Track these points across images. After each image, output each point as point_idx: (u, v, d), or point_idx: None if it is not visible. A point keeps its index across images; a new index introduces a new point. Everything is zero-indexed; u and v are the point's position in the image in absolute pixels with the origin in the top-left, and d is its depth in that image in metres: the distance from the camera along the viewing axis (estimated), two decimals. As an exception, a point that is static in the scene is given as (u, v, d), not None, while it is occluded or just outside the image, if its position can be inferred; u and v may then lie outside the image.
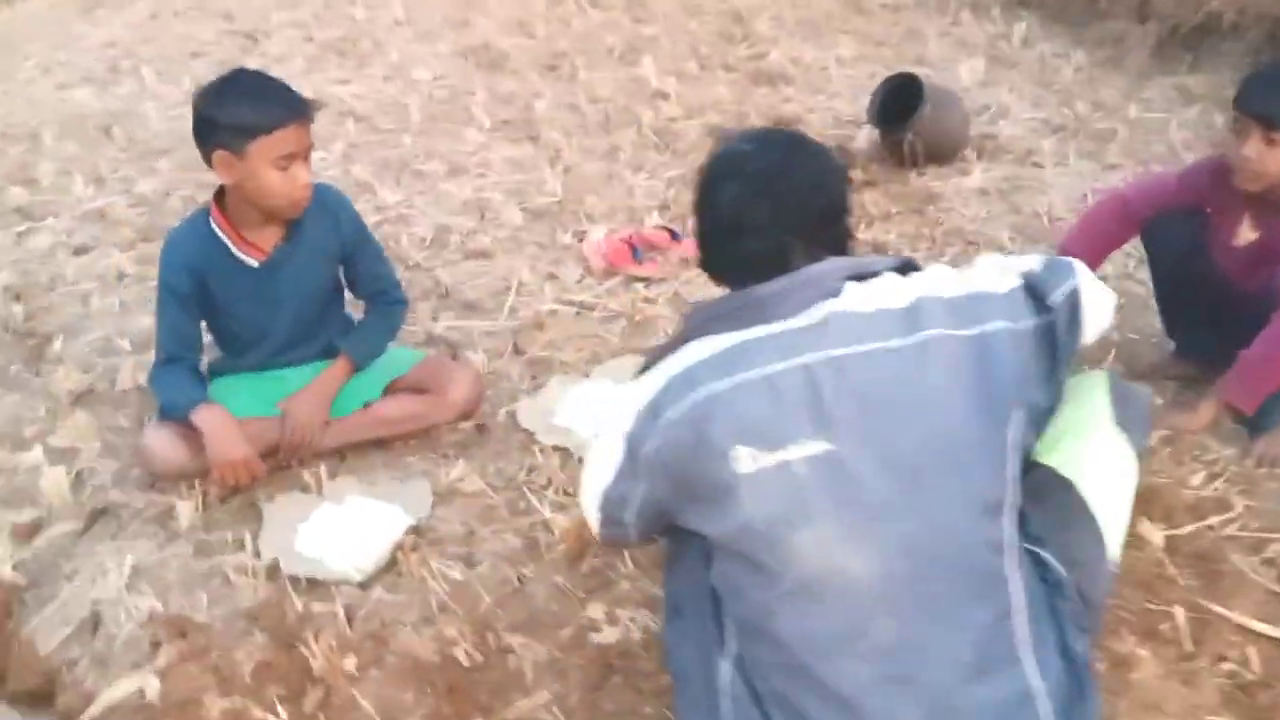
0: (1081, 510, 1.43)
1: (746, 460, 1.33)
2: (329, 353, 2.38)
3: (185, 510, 2.18)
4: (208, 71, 4.93)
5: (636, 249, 3.18)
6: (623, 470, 1.50)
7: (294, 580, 2.02)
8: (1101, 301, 1.47)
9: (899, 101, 3.71)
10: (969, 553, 1.34)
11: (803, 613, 1.34)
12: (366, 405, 2.35)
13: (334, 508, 2.18)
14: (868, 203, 3.47)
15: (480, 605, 1.97)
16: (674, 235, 3.26)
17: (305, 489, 2.25)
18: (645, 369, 1.53)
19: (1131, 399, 1.52)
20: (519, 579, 2.03)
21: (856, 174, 3.66)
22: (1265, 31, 4.13)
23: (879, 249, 3.19)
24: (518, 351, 2.77)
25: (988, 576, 1.34)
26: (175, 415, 2.16)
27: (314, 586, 2.01)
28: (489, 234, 3.38)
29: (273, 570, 2.05)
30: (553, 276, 3.13)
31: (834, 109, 4.32)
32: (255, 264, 2.22)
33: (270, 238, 2.23)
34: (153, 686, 1.80)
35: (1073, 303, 1.42)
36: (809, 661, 1.35)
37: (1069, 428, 1.47)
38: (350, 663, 1.83)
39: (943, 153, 3.72)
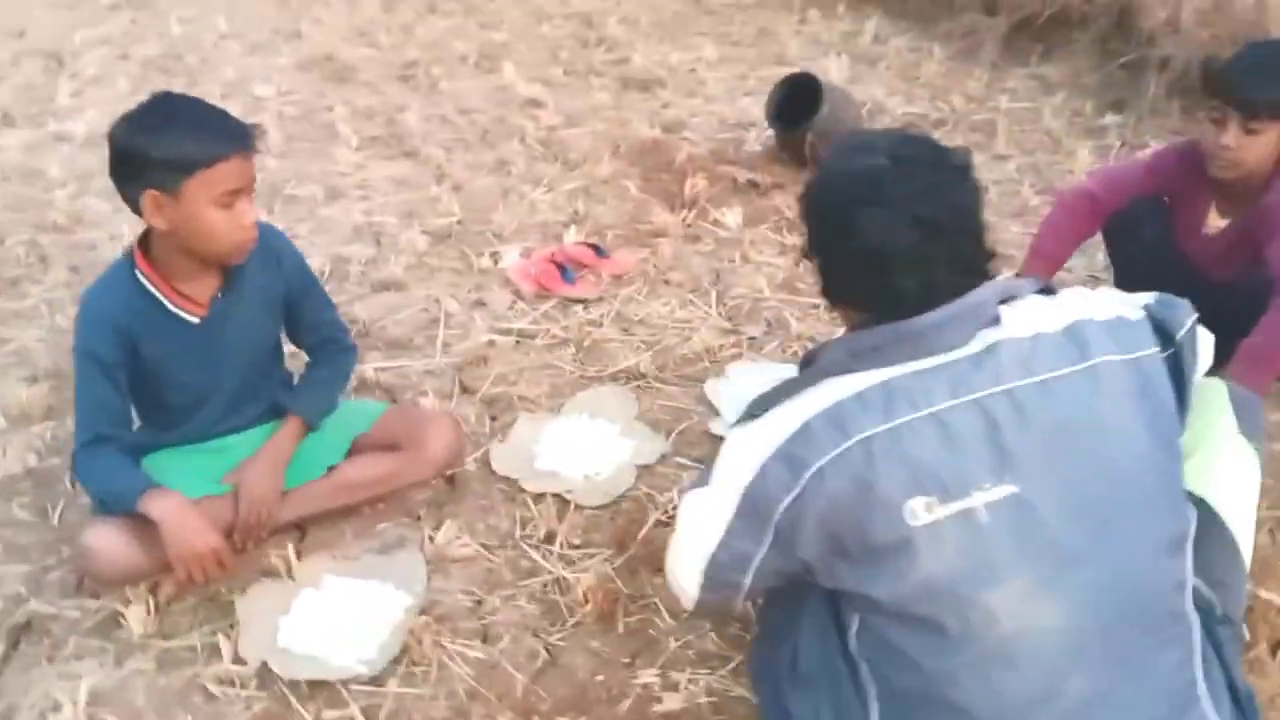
0: (1218, 528, 1.37)
1: (922, 512, 1.20)
2: (274, 414, 2.08)
3: (136, 617, 1.85)
4: (10, 101, 4.38)
5: (565, 268, 2.99)
6: (736, 529, 1.34)
7: (291, 685, 1.74)
8: (1209, 339, 1.42)
9: (792, 102, 3.67)
10: (1157, 595, 1.25)
11: (991, 678, 1.22)
12: (330, 470, 2.07)
13: (317, 594, 1.90)
14: (781, 206, 3.41)
15: (515, 686, 1.76)
16: (598, 251, 3.09)
17: (272, 574, 1.96)
18: (753, 414, 1.36)
19: (1249, 405, 1.49)
20: (548, 650, 1.83)
21: (760, 179, 3.60)
22: (1112, 22, 4.35)
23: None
24: (466, 390, 2.54)
25: (1173, 618, 1.26)
26: (119, 507, 1.82)
27: (316, 689, 1.74)
28: (394, 262, 3.11)
29: (263, 677, 1.76)
30: (480, 304, 2.90)
31: (715, 112, 4.25)
32: (195, 320, 1.91)
33: (206, 288, 1.92)
34: (157, 838, 1.51)
35: (1193, 337, 1.35)
36: None
37: (1197, 442, 1.42)
38: (390, 774, 1.59)
39: (841, 151, 3.69)
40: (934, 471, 1.20)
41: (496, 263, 3.10)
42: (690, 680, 1.75)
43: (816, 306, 2.83)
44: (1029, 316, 1.27)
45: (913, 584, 1.22)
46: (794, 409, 1.29)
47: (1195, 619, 1.28)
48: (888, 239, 1.25)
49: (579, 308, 2.87)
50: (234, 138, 1.77)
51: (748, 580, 1.38)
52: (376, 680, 1.76)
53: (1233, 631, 1.37)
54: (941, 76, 4.57)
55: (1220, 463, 1.41)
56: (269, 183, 3.62)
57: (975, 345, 1.24)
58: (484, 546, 2.05)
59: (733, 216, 3.31)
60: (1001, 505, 1.20)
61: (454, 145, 3.97)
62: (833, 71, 4.52)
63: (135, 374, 1.91)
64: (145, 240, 1.89)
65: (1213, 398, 1.45)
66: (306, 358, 2.19)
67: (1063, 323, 1.27)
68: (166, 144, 1.72)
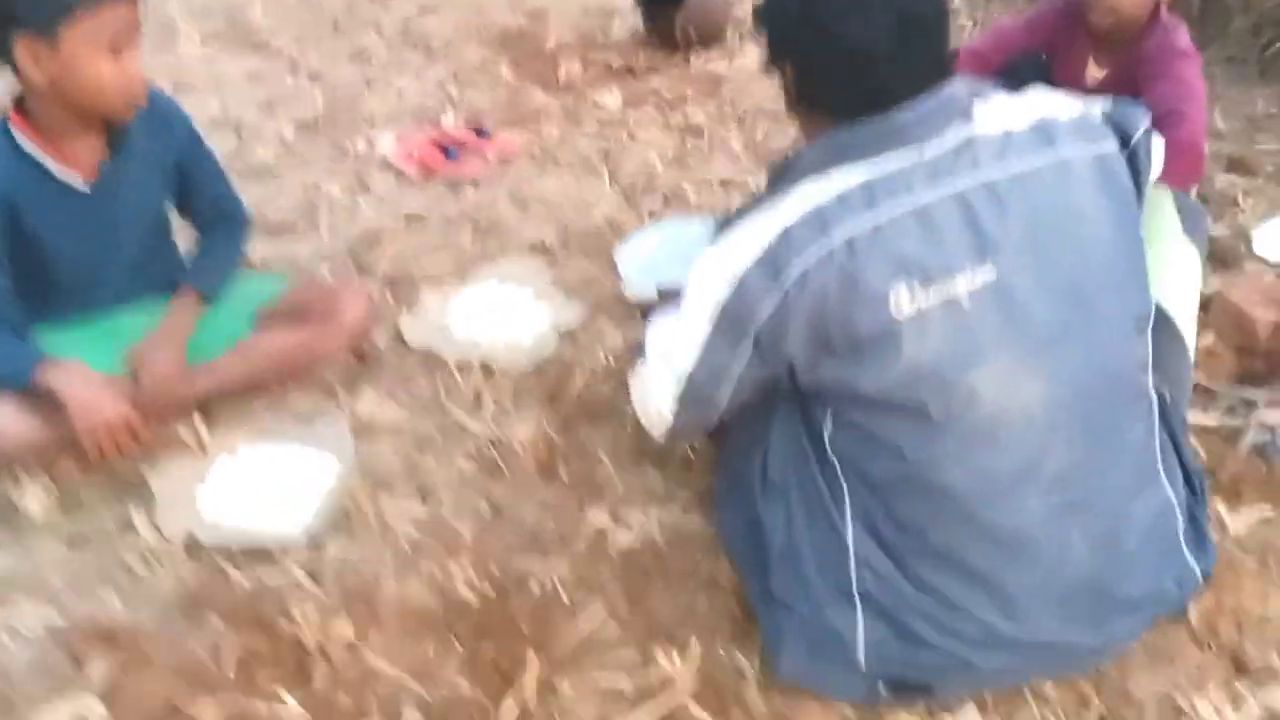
0: (1165, 321, 1.44)
1: (906, 301, 1.21)
2: (169, 290, 1.93)
3: (34, 499, 1.69)
4: None
5: (448, 149, 2.88)
6: (713, 345, 1.32)
7: (224, 553, 1.64)
8: (1160, 145, 1.47)
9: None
10: (1127, 372, 1.31)
11: (975, 456, 1.25)
12: (236, 344, 1.94)
13: (236, 463, 1.79)
14: (661, 88, 3.38)
15: (463, 537, 1.70)
16: (480, 133, 2.98)
17: (182, 448, 1.83)
18: (726, 226, 1.34)
19: (1192, 210, 1.55)
20: (491, 504, 1.78)
21: (633, 64, 3.55)
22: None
23: (694, 131, 3.11)
24: (363, 270, 2.42)
25: (1139, 393, 1.32)
26: (13, 384, 1.65)
27: (252, 556, 1.64)
28: (260, 152, 2.92)
29: (190, 548, 1.65)
30: (364, 188, 2.77)
31: (577, 1, 4.15)
32: (83, 185, 1.73)
33: (92, 152, 1.75)
34: (96, 713, 1.39)
35: (1148, 139, 1.40)
36: (978, 507, 1.27)
37: (1146, 242, 1.47)
38: (345, 629, 1.52)
39: (711, 35, 3.69)
40: (918, 263, 1.21)
41: (373, 148, 2.95)
42: (642, 518, 1.73)
43: (710, 181, 2.82)
44: (997, 114, 1.29)
45: (898, 372, 1.22)
46: (770, 218, 1.26)
47: (1154, 398, 1.34)
48: (874, 36, 1.23)
49: (469, 188, 2.77)
50: None
51: (725, 394, 1.37)
52: (314, 543, 1.67)
53: (1180, 416, 1.45)
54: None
55: (1166, 262, 1.47)
56: (106, 76, 3.32)
57: (950, 139, 1.25)
58: (410, 413, 1.97)
59: (612, 99, 3.26)
60: (982, 289, 1.22)
61: (304, 37, 3.74)
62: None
63: (16, 249, 1.73)
64: (21, 102, 1.70)
65: (1159, 202, 1.51)
66: (198, 234, 2.03)
67: (1030, 120, 1.29)
68: None
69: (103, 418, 1.63)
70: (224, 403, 1.94)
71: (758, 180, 2.81)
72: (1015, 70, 2.47)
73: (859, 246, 1.21)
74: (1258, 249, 2.41)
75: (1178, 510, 1.35)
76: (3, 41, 1.57)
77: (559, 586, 1.61)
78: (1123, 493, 1.30)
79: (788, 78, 1.34)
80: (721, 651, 1.50)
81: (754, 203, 1.31)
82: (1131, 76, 2.30)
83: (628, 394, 1.90)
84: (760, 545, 1.46)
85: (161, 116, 1.84)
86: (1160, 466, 1.34)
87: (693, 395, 1.38)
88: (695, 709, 1.41)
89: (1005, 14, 3.93)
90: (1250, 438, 1.84)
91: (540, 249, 2.50)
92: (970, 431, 1.25)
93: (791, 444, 1.41)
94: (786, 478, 1.42)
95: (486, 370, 2.06)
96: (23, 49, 1.57)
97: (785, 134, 3.08)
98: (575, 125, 3.14)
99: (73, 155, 1.72)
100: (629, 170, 2.88)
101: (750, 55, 3.61)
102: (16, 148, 1.68)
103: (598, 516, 1.74)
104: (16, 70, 1.61)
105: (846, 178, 1.24)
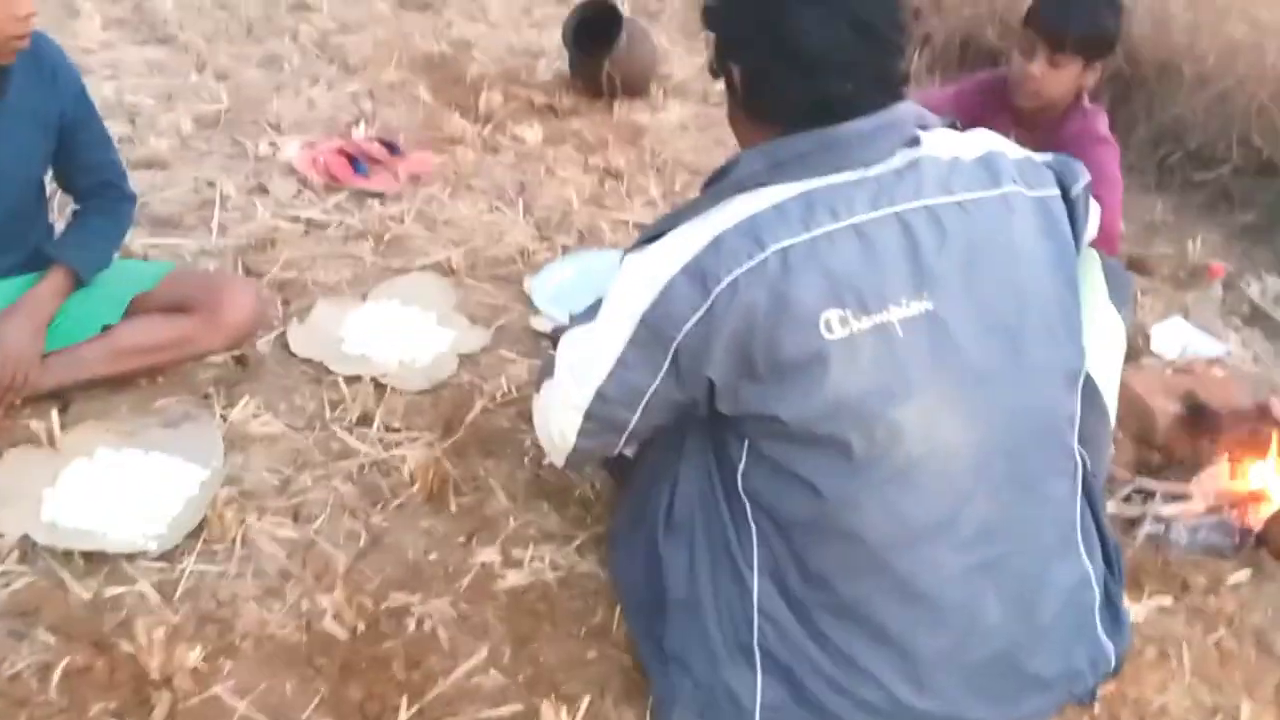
0: (1090, 388, 1.41)
1: (838, 325, 1.14)
2: (35, 264, 1.75)
3: None
4: None
5: (357, 161, 2.75)
6: (629, 360, 1.24)
7: (63, 559, 1.46)
8: (1097, 209, 1.46)
9: (588, 29, 3.59)
10: (1055, 425, 1.26)
11: (894, 500, 1.18)
12: (104, 330, 1.76)
13: (90, 465, 1.61)
14: (583, 129, 3.32)
15: (336, 564, 1.56)
16: (392, 149, 2.86)
17: (33, 442, 1.64)
18: (650, 239, 1.26)
19: (1118, 275, 1.54)
20: (369, 530, 1.64)
21: (556, 101, 3.49)
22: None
23: (613, 173, 3.05)
24: (251, 272, 2.26)
25: (1065, 451, 1.28)
26: None
27: (94, 565, 1.47)
28: (153, 142, 2.74)
29: (24, 551, 1.46)
30: (262, 190, 2.61)
31: (501, 38, 4.08)
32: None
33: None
34: (-115, 733, 1.20)
35: (1086, 197, 1.38)
36: (890, 558, 1.20)
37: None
38: (193, 654, 1.35)
39: (636, 85, 3.65)
40: (852, 284, 1.15)
41: (275, 152, 2.80)
42: (534, 556, 1.62)
43: (625, 221, 2.76)
44: (945, 142, 1.25)
45: (822, 401, 1.16)
46: (701, 226, 1.19)
47: (1079, 459, 1.31)
48: (831, 43, 1.18)
49: (374, 202, 2.64)
50: None
51: (635, 418, 1.28)
52: (167, 556, 1.51)
53: (1099, 488, 1.41)
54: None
55: (1095, 326, 1.45)
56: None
57: (896, 161, 1.20)
58: (289, 426, 1.82)
59: (532, 133, 3.18)
60: (917, 321, 1.17)
61: (215, 36, 3.57)
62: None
63: None
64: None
65: (1089, 264, 1.49)
66: (75, 204, 1.86)
67: (977, 152, 1.26)
68: None
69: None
70: (84, 394, 1.77)
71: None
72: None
73: (793, 260, 1.15)
74: (1155, 346, 2.46)
75: (1094, 584, 1.31)
76: None
77: (438, 625, 1.47)
78: (1043, 554, 1.25)
79: (734, 80, 1.28)
80: (611, 710, 1.39)
81: (683, 210, 1.24)
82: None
83: (529, 426, 1.81)
84: (657, 590, 1.36)
85: (49, 66, 1.68)
86: (1079, 535, 1.30)
87: (600, 414, 1.29)
88: (579, 769, 1.30)
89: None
90: (1146, 528, 1.83)
91: (445, 269, 2.38)
92: (891, 473, 1.18)
93: (701, 480, 1.33)
94: (693, 516, 1.33)
95: (378, 388, 1.93)
96: None
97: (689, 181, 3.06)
98: (492, 154, 3.05)
99: None
100: (544, 204, 2.79)
101: (673, 110, 3.58)
102: None
103: (486, 552, 1.62)
104: None
105: (787, 188, 1.18)
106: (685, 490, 1.34)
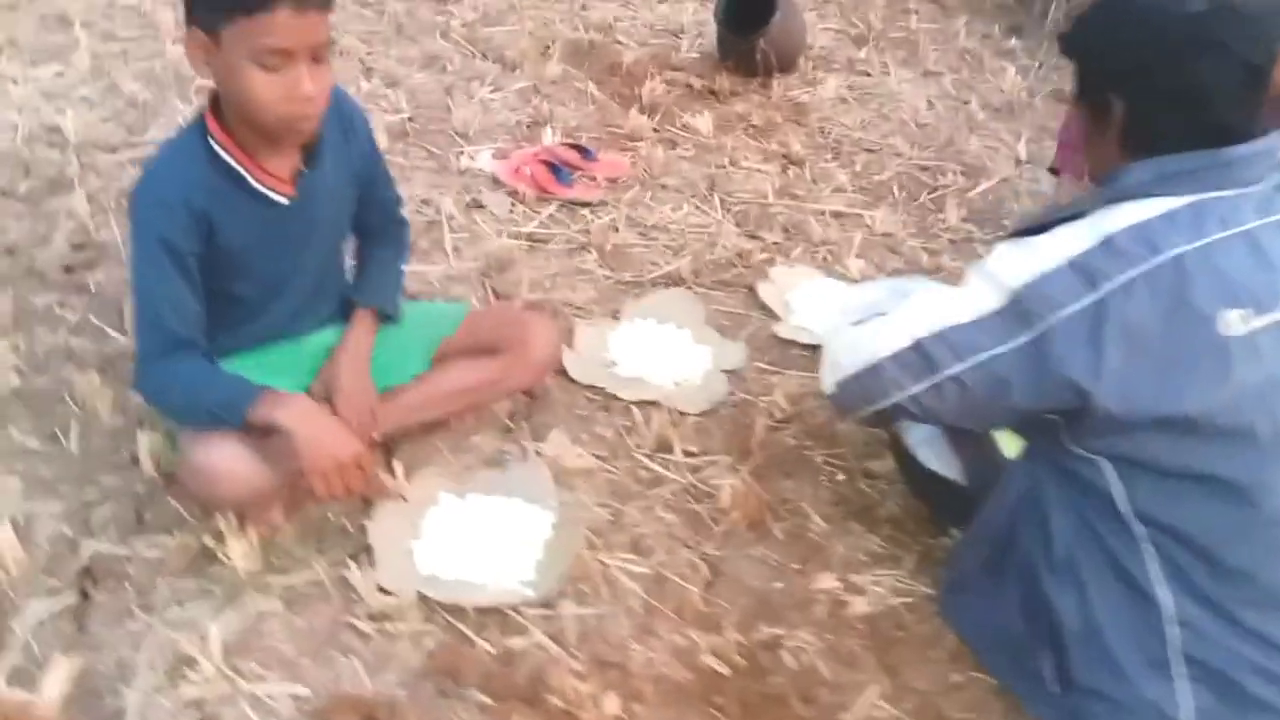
0: None
1: (1238, 323, 1.22)
2: (343, 310, 1.81)
3: (239, 552, 1.57)
4: None
5: (559, 169, 2.78)
6: (986, 323, 1.31)
7: (456, 614, 1.54)
8: None
9: (738, 7, 3.57)
10: None
11: None
12: (417, 379, 1.83)
13: (444, 514, 1.69)
14: (751, 115, 3.32)
15: (690, 598, 1.64)
16: (585, 153, 2.89)
17: (384, 494, 1.72)
18: (1029, 231, 1.33)
19: None
20: (706, 561, 1.71)
21: (716, 84, 3.49)
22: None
23: (793, 160, 3.07)
24: (499, 295, 2.32)
25: None
26: (227, 420, 1.51)
27: (486, 617, 1.55)
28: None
29: (418, 607, 1.55)
30: (478, 205, 2.66)
31: (642, 18, 4.06)
32: (283, 198, 1.61)
33: (288, 162, 1.62)
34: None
35: None
36: None
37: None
38: (610, 703, 1.44)
39: (788, 61, 3.65)
40: (1247, 285, 1.23)
41: (473, 163, 2.84)
42: (874, 582, 1.68)
43: (824, 213, 2.79)
44: None
45: (1227, 394, 1.23)
46: (1088, 226, 1.28)
47: None
48: (1223, 81, 1.25)
49: (585, 210, 2.68)
50: None
51: (957, 369, 1.33)
52: (547, 602, 1.59)
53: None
54: (845, -3, 4.59)
55: None
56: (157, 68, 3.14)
57: (1272, 181, 1.27)
58: (597, 457, 1.89)
59: (703, 122, 3.19)
60: None
61: (370, 38, 3.59)
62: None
63: (204, 265, 1.59)
64: (216, 103, 1.57)
65: None
66: (362, 243, 1.90)
67: None
68: None
69: (334, 457, 1.48)
70: (405, 441, 1.84)
71: (871, 214, 2.79)
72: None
73: (1188, 266, 1.22)
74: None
75: None
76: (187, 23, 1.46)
77: (814, 658, 1.55)
78: None
79: (1111, 111, 1.33)
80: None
81: (1063, 209, 1.32)
82: None
83: (814, 443, 1.88)
84: (1040, 629, 1.42)
85: (347, 119, 1.72)
86: None
87: (929, 349, 1.36)
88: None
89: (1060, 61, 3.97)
90: None
91: (675, 279, 2.43)
92: None
93: (1071, 517, 1.38)
94: (1072, 553, 1.39)
95: (664, 412, 1.99)
96: (190, 37, 1.45)
97: (884, 165, 3.07)
98: (670, 147, 3.07)
99: (270, 163, 1.59)
100: (740, 198, 2.82)
101: (829, 84, 3.57)
102: (215, 156, 1.55)
103: (824, 579, 1.69)
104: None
105: (1173, 201, 1.26)
106: (1059, 530, 1.39)
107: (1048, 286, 1.26)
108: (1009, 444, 1.51)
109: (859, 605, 1.65)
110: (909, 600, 1.66)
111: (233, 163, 1.55)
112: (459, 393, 1.84)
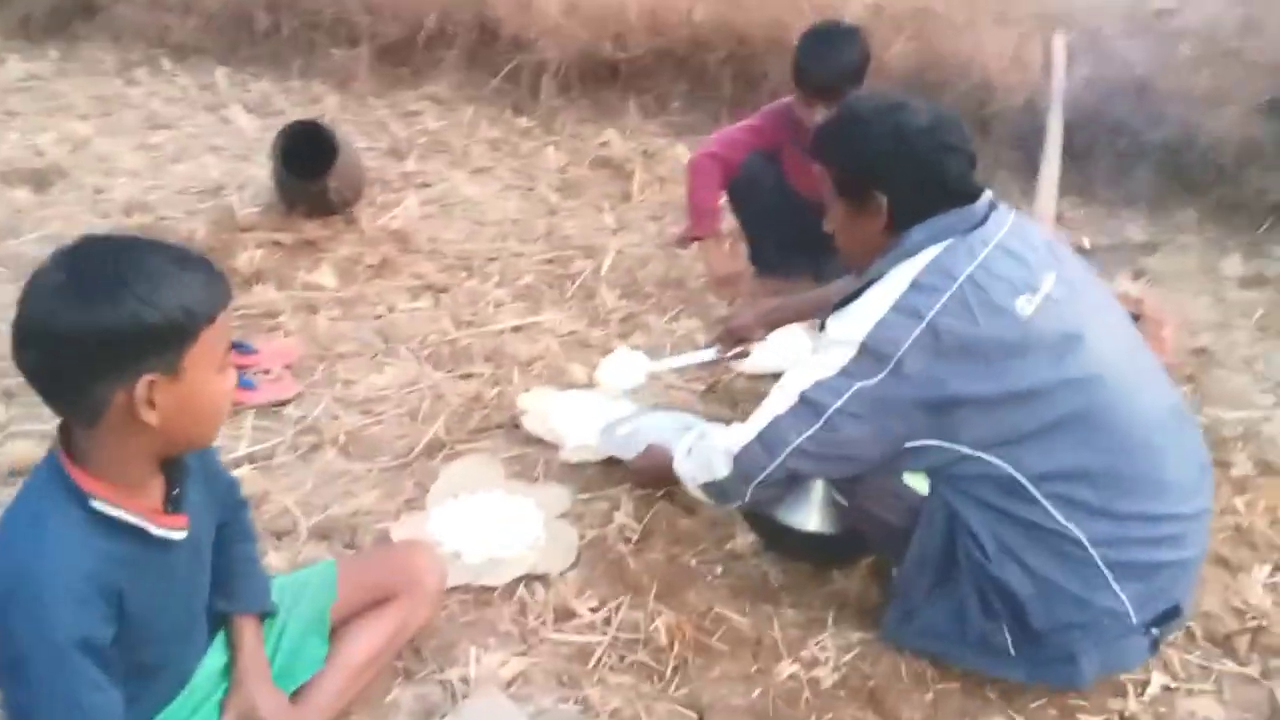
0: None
1: (1026, 305, 1.63)
2: (217, 622, 1.57)
3: None
4: None
5: (241, 378, 2.52)
6: (851, 367, 1.65)
7: None
8: None
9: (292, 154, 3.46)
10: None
11: (1126, 398, 1.65)
12: (325, 666, 1.63)
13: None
14: (364, 255, 3.24)
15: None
16: (242, 348, 2.64)
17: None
18: (845, 303, 1.72)
19: None
20: (689, 708, 1.74)
21: (306, 233, 3.35)
22: (476, 38, 4.74)
23: (439, 288, 3.07)
24: (279, 537, 2.09)
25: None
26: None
27: None
28: None
29: None
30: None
31: (168, 184, 3.73)
32: (180, 536, 1.36)
33: (157, 491, 1.38)
34: None
35: None
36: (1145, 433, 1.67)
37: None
38: None
39: (355, 194, 3.60)
40: (1019, 278, 1.64)
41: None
42: (820, 649, 1.83)
43: (504, 331, 2.84)
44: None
45: (1043, 357, 1.62)
46: (893, 280, 1.67)
47: None
48: (960, 170, 1.72)
49: (289, 410, 2.48)
50: (215, 274, 1.32)
51: (837, 403, 1.65)
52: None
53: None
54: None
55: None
56: None
57: (1000, 219, 1.74)
58: (519, 655, 1.82)
59: (326, 276, 3.07)
60: (1059, 283, 1.67)
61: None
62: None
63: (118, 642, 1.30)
64: (69, 448, 1.29)
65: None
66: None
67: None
68: (172, 297, 1.23)
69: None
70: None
71: (543, 318, 2.89)
72: (750, 172, 2.88)
73: (978, 279, 1.64)
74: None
75: None
76: (106, 391, 1.22)
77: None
78: None
79: (875, 201, 1.73)
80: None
81: (866, 279, 1.72)
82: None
83: (680, 549, 2.00)
84: (1003, 606, 1.68)
85: None
86: None
87: (815, 397, 1.68)
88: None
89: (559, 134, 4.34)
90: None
91: (437, 447, 2.36)
92: (1092, 370, 1.64)
93: (989, 513, 1.67)
94: (1002, 538, 1.67)
95: (541, 580, 1.97)
96: (144, 389, 1.23)
97: (518, 270, 3.18)
98: (314, 313, 2.91)
99: (149, 497, 1.35)
100: (425, 341, 2.78)
101: (411, 203, 3.59)
102: (99, 515, 1.28)
103: (786, 666, 1.80)
104: (100, 420, 1.25)
105: (942, 245, 1.68)
106: (983, 527, 1.67)
107: (885, 330, 1.63)
108: (919, 485, 1.75)
109: (826, 676, 1.80)
110: (858, 650, 1.85)
111: (127, 516, 1.31)
112: (371, 660, 1.69)
